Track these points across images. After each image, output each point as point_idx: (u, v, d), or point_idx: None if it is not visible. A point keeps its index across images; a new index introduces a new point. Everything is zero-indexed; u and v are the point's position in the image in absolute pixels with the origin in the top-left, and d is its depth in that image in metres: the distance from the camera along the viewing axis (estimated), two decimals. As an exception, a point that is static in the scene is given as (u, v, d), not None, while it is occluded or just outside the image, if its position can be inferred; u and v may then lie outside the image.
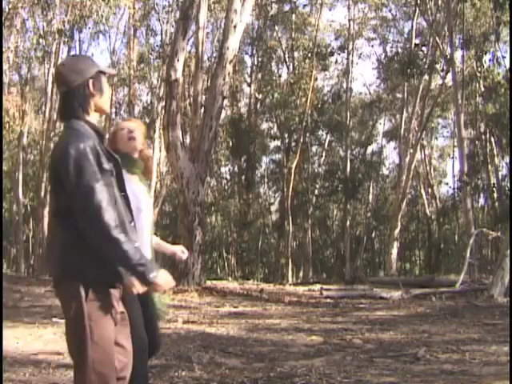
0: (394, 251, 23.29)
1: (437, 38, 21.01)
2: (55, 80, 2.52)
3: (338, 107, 27.76)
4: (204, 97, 13.18)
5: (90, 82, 2.38)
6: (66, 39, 21.62)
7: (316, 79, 25.43)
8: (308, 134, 25.90)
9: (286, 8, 25.08)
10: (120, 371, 2.38)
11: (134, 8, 22.54)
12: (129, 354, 2.46)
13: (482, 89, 21.64)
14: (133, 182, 3.00)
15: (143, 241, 2.86)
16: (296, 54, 26.38)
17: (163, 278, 2.38)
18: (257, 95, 26.93)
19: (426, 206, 29.83)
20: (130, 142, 3.12)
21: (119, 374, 2.37)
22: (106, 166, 2.33)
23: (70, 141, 2.29)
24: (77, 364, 2.31)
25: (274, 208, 31.51)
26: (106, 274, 2.33)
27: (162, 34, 24.66)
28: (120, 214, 2.34)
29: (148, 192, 3.22)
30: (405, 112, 25.40)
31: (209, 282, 12.94)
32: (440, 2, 22.00)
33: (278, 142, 28.88)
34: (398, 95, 28.34)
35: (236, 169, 28.89)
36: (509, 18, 15.84)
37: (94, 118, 2.45)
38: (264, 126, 29.28)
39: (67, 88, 2.39)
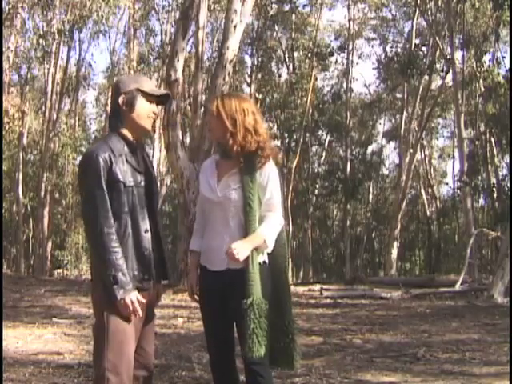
0: (394, 251, 23.27)
1: (437, 38, 20.99)
2: None
3: (338, 107, 27.74)
4: (204, 97, 13.16)
5: (121, 97, 2.51)
6: (66, 39, 21.64)
7: (316, 79, 25.42)
8: (308, 134, 25.89)
9: (286, 8, 25.03)
10: (135, 369, 2.52)
11: (133, 8, 22.58)
12: (149, 357, 2.61)
13: (482, 89, 21.61)
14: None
15: (215, 233, 2.72)
16: (296, 54, 26.36)
17: (132, 301, 2.38)
18: (257, 95, 26.90)
19: (426, 206, 29.84)
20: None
21: (135, 372, 2.52)
22: (122, 178, 2.44)
23: (91, 149, 2.49)
24: (96, 352, 2.47)
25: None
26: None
27: (162, 34, 24.68)
28: (132, 222, 2.46)
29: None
30: (405, 112, 25.38)
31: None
32: (440, 2, 21.98)
33: (277, 142, 28.85)
34: (398, 95, 28.33)
35: (236, 169, 28.84)
36: (509, 18, 15.83)
37: (131, 132, 2.54)
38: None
39: (110, 103, 2.61)
